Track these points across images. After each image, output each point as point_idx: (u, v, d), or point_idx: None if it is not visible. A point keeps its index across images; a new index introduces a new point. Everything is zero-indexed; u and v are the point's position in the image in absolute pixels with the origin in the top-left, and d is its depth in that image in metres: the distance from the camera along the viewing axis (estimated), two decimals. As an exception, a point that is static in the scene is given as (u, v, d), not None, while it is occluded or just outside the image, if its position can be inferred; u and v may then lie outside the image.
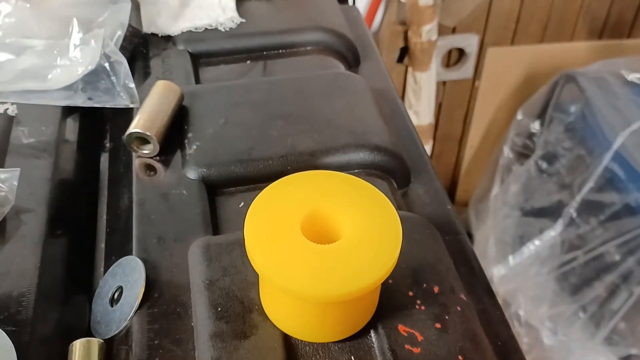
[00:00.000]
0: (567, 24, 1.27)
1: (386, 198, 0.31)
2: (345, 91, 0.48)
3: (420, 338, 0.31)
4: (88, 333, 0.35)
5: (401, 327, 0.32)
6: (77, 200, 0.41)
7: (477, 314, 0.36)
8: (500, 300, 1.15)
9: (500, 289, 1.11)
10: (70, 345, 0.31)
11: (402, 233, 0.30)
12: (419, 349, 0.31)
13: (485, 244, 1.18)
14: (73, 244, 0.38)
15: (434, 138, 1.35)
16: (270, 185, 0.31)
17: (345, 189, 0.32)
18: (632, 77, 1.11)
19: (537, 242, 1.07)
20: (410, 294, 0.33)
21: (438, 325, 0.32)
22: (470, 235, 1.31)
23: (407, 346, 0.31)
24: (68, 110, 0.45)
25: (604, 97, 1.08)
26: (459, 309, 0.33)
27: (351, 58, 0.54)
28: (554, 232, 1.05)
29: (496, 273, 1.11)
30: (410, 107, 1.23)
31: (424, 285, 0.34)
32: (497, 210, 1.17)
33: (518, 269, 1.09)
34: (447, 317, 0.32)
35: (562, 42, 1.29)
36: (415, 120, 1.23)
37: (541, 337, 1.08)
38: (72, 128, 0.45)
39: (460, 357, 0.31)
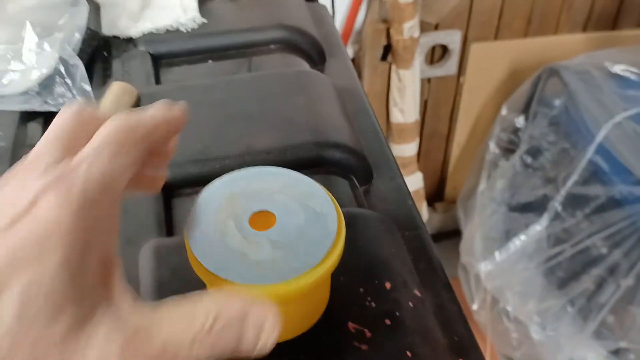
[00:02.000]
0: (551, 18, 1.27)
1: (328, 196, 0.31)
2: (307, 89, 0.47)
3: (368, 334, 0.31)
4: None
5: (350, 324, 0.31)
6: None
7: (434, 309, 0.35)
8: (488, 297, 1.15)
9: (487, 285, 1.11)
10: None
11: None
12: (367, 345, 0.31)
13: (473, 241, 1.17)
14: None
15: (421, 135, 1.35)
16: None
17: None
18: (615, 69, 1.11)
19: (523, 237, 1.07)
20: (361, 290, 0.33)
21: (388, 322, 0.32)
22: (459, 232, 1.31)
23: (354, 343, 0.31)
24: (27, 115, 0.45)
25: (587, 90, 1.08)
26: (411, 304, 0.33)
27: (316, 56, 0.54)
28: (539, 226, 1.05)
29: (483, 269, 1.11)
30: (395, 105, 1.23)
31: (376, 281, 0.33)
32: (484, 207, 1.17)
33: (505, 264, 1.09)
34: (397, 314, 0.32)
35: (546, 35, 1.29)
36: (400, 117, 1.23)
37: (530, 333, 1.07)
38: (32, 133, 0.45)
39: (408, 352, 0.30)
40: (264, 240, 0.28)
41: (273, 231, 0.29)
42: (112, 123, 0.22)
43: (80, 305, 0.19)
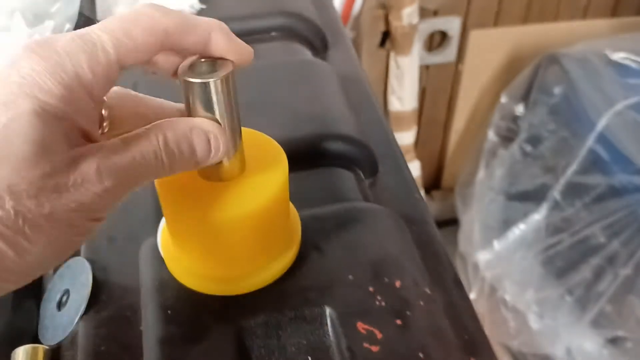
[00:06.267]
0: (551, 4, 1.25)
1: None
2: (310, 80, 0.46)
3: (379, 336, 0.30)
4: (36, 338, 0.33)
5: (360, 325, 0.30)
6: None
7: (443, 306, 0.34)
8: (485, 286, 1.14)
9: (486, 274, 1.11)
10: (13, 352, 0.30)
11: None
12: (378, 347, 0.29)
13: (471, 229, 1.17)
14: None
15: (419, 123, 1.34)
16: None
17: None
18: (615, 57, 1.10)
19: (522, 226, 1.06)
20: (371, 289, 0.32)
21: (399, 322, 0.31)
22: (456, 221, 1.30)
23: (365, 344, 0.30)
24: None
25: (587, 78, 1.07)
26: (421, 303, 0.32)
27: (318, 44, 0.52)
28: (538, 215, 1.04)
29: (482, 258, 1.11)
30: (393, 93, 1.21)
31: (386, 279, 0.32)
32: (483, 195, 1.16)
33: (503, 253, 1.09)
34: (408, 313, 0.31)
35: (546, 22, 1.27)
36: (398, 105, 1.21)
37: (528, 322, 1.07)
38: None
39: (421, 354, 0.29)
40: None
41: None
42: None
43: (61, 152, 0.21)
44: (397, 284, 0.32)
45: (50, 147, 0.20)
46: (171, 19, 0.23)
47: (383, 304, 0.31)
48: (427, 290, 0.33)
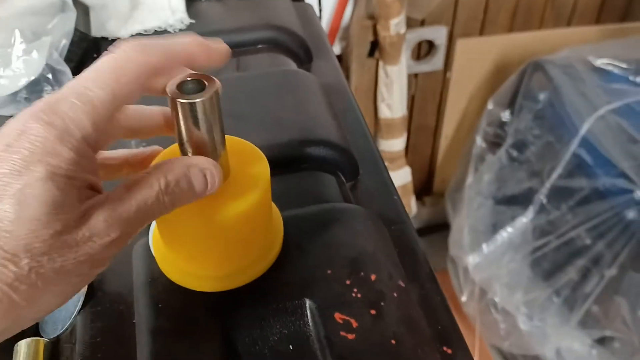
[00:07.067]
0: (535, 12, 1.29)
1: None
2: (294, 88, 0.48)
3: (355, 324, 0.32)
4: (37, 332, 0.35)
5: (337, 315, 0.33)
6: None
7: (418, 299, 0.37)
8: (476, 288, 1.16)
9: (475, 277, 1.13)
10: (16, 345, 0.32)
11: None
12: (354, 335, 0.32)
13: (461, 233, 1.19)
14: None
15: (409, 130, 1.36)
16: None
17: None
18: (598, 63, 1.13)
19: (509, 229, 1.09)
20: (348, 282, 0.34)
21: (373, 312, 0.33)
22: (447, 225, 1.33)
23: (342, 333, 0.32)
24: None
25: (571, 84, 1.10)
26: (395, 295, 0.34)
27: (303, 55, 0.55)
28: (525, 219, 1.07)
29: (471, 261, 1.13)
30: (383, 101, 1.24)
31: (362, 273, 0.35)
32: (471, 200, 1.19)
33: (492, 256, 1.11)
34: (382, 304, 0.33)
35: (531, 30, 1.31)
36: (388, 113, 1.24)
37: (517, 323, 1.09)
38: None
39: (393, 341, 0.32)
40: None
41: None
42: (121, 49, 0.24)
43: (72, 210, 0.23)
44: (373, 277, 0.35)
45: (62, 207, 0.22)
46: (155, 55, 0.25)
47: (359, 295, 0.34)
48: (401, 283, 0.35)
